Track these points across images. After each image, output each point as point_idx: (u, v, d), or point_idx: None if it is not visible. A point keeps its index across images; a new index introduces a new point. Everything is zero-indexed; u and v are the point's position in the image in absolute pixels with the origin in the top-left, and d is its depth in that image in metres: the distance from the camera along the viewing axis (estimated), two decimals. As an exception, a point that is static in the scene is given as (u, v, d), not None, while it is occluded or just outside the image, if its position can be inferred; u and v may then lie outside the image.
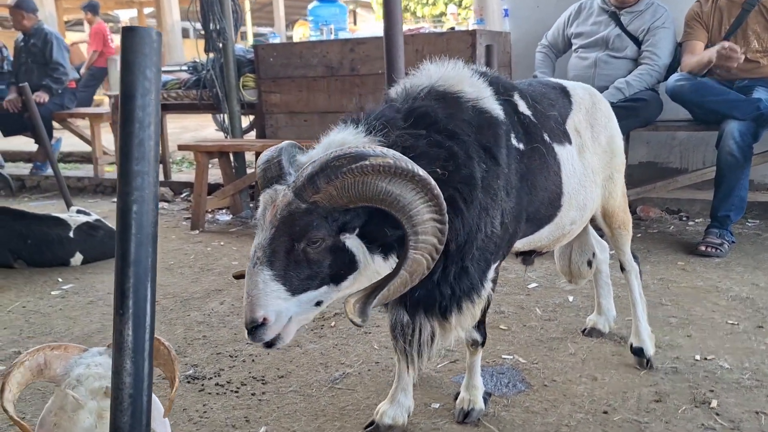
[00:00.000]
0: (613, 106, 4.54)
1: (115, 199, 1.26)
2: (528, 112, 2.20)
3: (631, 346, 2.78)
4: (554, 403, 2.48)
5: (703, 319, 3.25)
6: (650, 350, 2.72)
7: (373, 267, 1.75)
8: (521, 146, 2.08)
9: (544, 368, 2.78)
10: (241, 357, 3.01)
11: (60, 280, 4.37)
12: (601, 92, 4.68)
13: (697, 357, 2.82)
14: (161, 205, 7.10)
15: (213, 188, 6.48)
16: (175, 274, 4.48)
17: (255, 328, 1.61)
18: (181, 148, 5.91)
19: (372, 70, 5.62)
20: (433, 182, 1.56)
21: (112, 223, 5.45)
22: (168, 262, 4.77)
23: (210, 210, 6.08)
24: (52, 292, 4.12)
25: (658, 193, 5.30)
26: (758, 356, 2.80)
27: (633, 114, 4.67)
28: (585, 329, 3.13)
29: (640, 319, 2.76)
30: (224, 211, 6.31)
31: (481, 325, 2.29)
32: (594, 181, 2.46)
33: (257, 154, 6.12)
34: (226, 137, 6.48)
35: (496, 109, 2.00)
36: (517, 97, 2.21)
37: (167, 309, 3.74)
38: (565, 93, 2.53)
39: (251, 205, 6.38)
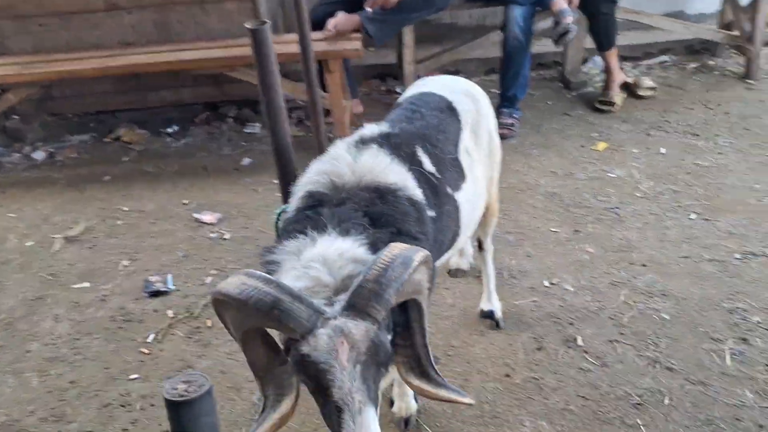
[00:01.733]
0: (408, -2, 4.54)
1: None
2: (432, 168, 2.23)
3: (482, 311, 3.15)
4: (465, 376, 2.85)
5: (531, 229, 3.79)
6: (499, 313, 3.12)
7: None
8: (433, 214, 2.15)
9: (438, 332, 3.10)
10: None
11: None
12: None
13: (546, 283, 3.37)
14: None
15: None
16: (-41, 280, 3.69)
17: None
18: None
19: (120, -46, 4.56)
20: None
21: None
22: (-65, 259, 3.87)
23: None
24: None
25: (443, 63, 5.54)
26: (587, 269, 3.44)
27: (429, 4, 4.64)
28: (450, 271, 3.47)
29: (491, 290, 3.14)
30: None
31: None
32: (481, 194, 2.60)
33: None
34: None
35: (419, 194, 2.04)
36: (420, 153, 2.21)
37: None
38: (453, 112, 2.50)
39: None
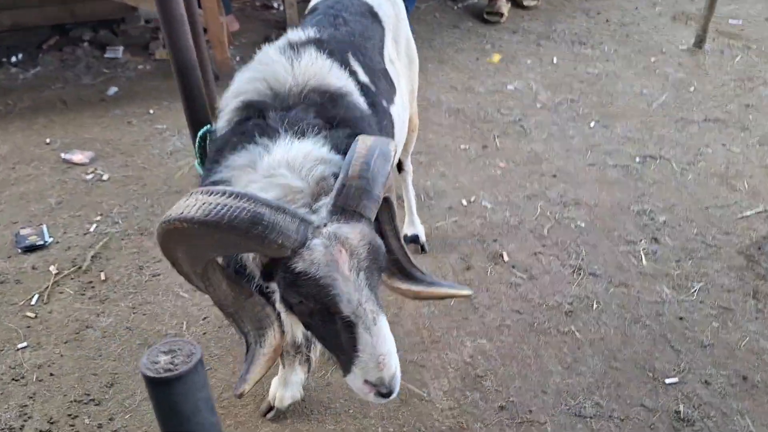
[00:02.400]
0: None
1: None
2: (366, 79, 2.02)
3: (406, 236, 3.00)
4: (398, 305, 2.73)
5: (441, 147, 3.68)
6: (423, 236, 3.01)
7: None
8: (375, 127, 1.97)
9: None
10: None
11: None
12: None
13: (464, 202, 3.29)
14: None
15: None
16: None
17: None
18: None
19: None
20: None
21: None
22: None
23: None
24: None
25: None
26: (502, 185, 3.41)
27: None
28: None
29: (413, 213, 3.01)
30: None
31: None
32: (406, 107, 2.43)
33: None
34: None
35: (363, 104, 1.86)
36: (353, 62, 2.00)
37: None
38: (375, 17, 2.28)
39: None
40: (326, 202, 1.33)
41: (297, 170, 1.38)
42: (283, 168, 1.38)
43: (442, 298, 1.62)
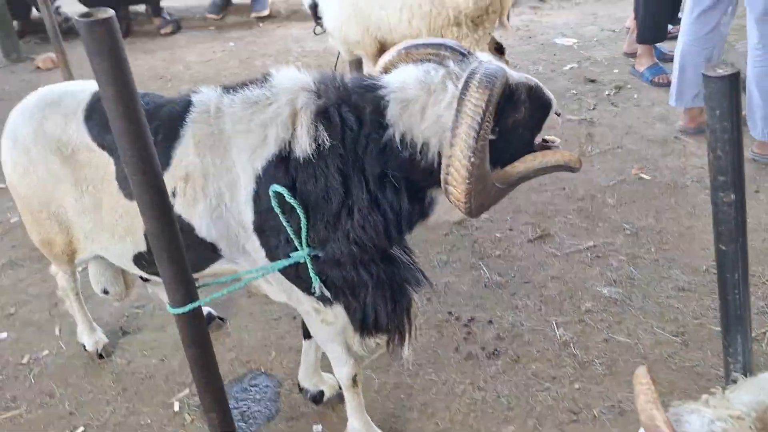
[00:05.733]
0: None
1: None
2: None
3: None
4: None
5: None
6: None
7: None
8: None
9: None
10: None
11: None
12: None
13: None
14: None
15: None
16: None
17: None
18: None
19: None
20: None
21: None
22: None
23: None
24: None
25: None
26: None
27: None
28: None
29: None
30: None
31: None
32: None
33: None
34: None
35: None
36: None
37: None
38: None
39: None
40: (471, 61, 1.75)
41: (437, 67, 1.77)
42: (438, 76, 1.74)
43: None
